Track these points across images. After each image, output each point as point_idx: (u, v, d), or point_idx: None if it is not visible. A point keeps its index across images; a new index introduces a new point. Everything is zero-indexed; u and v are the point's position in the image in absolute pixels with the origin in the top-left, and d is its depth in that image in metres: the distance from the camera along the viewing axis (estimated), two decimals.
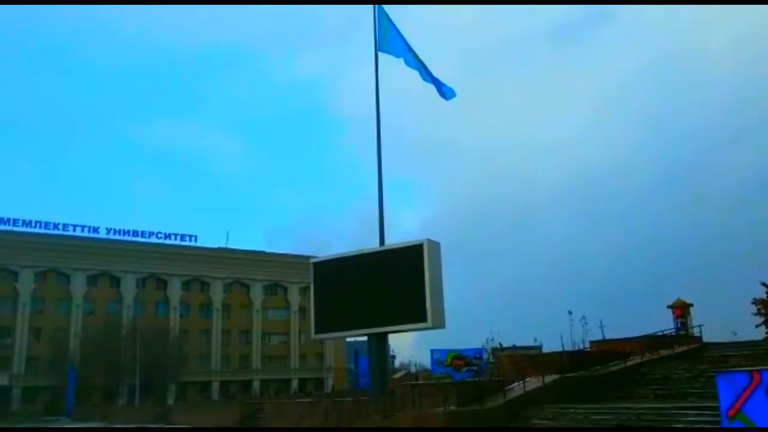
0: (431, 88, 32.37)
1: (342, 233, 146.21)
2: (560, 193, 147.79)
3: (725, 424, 14.64)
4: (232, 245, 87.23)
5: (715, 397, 15.35)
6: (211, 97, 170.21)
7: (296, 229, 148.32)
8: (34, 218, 72.63)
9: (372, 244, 30.78)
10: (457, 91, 32.28)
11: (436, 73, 32.46)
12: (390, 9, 33.78)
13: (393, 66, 33.19)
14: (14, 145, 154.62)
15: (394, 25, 33.30)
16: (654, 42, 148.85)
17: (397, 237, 30.26)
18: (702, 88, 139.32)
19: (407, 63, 32.52)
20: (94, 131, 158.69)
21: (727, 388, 14.63)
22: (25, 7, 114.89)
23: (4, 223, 70.79)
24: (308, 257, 38.23)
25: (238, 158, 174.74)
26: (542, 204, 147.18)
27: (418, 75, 32.40)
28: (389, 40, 33.27)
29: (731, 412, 14.45)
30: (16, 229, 71.35)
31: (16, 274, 71.54)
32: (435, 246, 28.24)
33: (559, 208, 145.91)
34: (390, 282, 28.05)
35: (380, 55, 33.42)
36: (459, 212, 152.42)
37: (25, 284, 71.56)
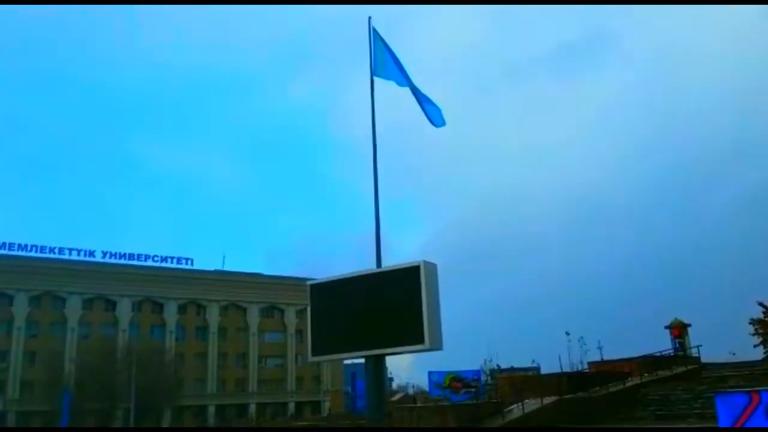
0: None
1: (343, 255, 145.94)
2: (558, 211, 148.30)
3: None
4: (229, 268, 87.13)
5: (715, 418, 15.27)
6: (211, 120, 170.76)
7: (297, 252, 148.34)
8: (29, 242, 72.68)
9: (373, 266, 30.78)
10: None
11: (435, 92, 32.47)
12: (392, 26, 34.03)
13: (392, 87, 33.41)
14: (9, 168, 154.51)
15: (389, 49, 33.50)
16: (651, 54, 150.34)
17: (398, 259, 30.04)
18: (700, 100, 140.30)
19: (403, 85, 32.63)
20: (91, 154, 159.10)
21: (726, 409, 14.56)
22: (25, 25, 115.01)
23: (0, 247, 70.61)
24: (304, 279, 38.12)
25: (238, 181, 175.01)
26: (539, 224, 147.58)
27: (414, 97, 32.48)
28: (385, 66, 33.46)
29: None
30: (11, 252, 71.21)
31: (11, 298, 71.22)
32: (432, 267, 28.12)
33: (556, 228, 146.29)
34: (387, 304, 27.89)
35: (378, 79, 33.59)
36: (458, 234, 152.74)
37: (20, 308, 71.20)
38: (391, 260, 30.83)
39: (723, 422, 14.60)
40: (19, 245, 71.76)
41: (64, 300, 74.21)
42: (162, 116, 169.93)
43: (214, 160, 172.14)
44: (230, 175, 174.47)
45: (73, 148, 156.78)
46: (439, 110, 33.61)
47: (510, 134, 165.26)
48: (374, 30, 36.08)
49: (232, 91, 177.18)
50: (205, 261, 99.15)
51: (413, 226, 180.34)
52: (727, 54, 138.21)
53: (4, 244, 70.92)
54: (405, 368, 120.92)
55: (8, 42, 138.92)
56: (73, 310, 74.16)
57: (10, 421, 66.72)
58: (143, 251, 79.29)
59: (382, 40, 35.09)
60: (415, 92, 33.40)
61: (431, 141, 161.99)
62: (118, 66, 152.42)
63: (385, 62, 34.89)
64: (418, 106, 33.40)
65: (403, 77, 33.50)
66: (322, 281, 34.64)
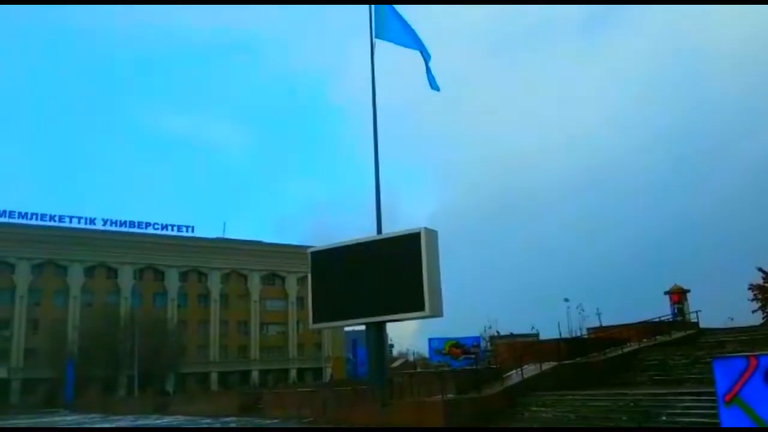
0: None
1: (354, 223, 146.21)
2: (563, 181, 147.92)
3: (722, 409, 14.68)
4: (231, 236, 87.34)
5: (712, 383, 15.38)
6: (217, 87, 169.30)
7: (307, 220, 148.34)
8: (30, 210, 72.73)
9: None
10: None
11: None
12: None
13: (406, 54, 33.03)
14: (10, 135, 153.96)
15: (393, 8, 33.08)
16: (667, 39, 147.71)
17: (406, 226, 30.12)
18: (714, 76, 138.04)
19: (408, 46, 32.39)
20: (90, 121, 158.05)
21: (723, 374, 14.63)
22: None
23: (0, 215, 70.69)
24: (305, 247, 38.20)
25: (244, 148, 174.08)
26: (544, 193, 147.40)
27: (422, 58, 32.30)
28: (387, 27, 33.13)
29: (728, 397, 14.47)
30: (12, 221, 71.35)
31: (12, 267, 71.55)
32: (432, 234, 28.26)
33: (559, 197, 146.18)
34: (388, 271, 28.09)
35: (390, 44, 33.31)
36: (466, 202, 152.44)
37: (22, 276, 71.59)
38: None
39: (720, 387, 14.70)
40: (20, 213, 71.89)
41: (65, 268, 74.54)
42: (165, 82, 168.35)
43: (218, 126, 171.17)
44: (239, 143, 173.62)
45: (73, 114, 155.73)
46: (433, 77, 33.46)
47: (526, 99, 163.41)
48: None
49: (238, 56, 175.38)
50: (206, 229, 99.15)
51: (427, 194, 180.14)
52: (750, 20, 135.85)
53: (4, 212, 71.03)
54: (410, 335, 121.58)
55: (9, 5, 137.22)
56: (75, 278, 74.57)
57: (15, 389, 67.57)
58: (144, 219, 79.55)
59: (389, 4, 34.52)
60: (423, 53, 32.94)
61: (446, 108, 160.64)
62: (120, 30, 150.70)
63: (387, 24, 34.60)
64: (424, 70, 33.00)
65: (409, 39, 33.00)
66: (322, 248, 34.68)
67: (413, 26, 33.01)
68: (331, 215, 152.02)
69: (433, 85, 32.54)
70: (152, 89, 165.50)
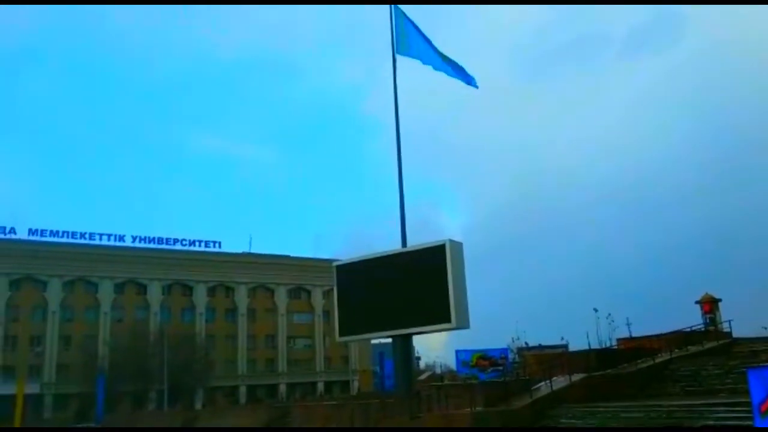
0: (466, 88, 32.46)
1: (390, 236, 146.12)
2: (595, 193, 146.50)
3: (758, 419, 14.42)
4: (258, 251, 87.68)
5: (747, 393, 15.11)
6: (247, 105, 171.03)
7: (342, 235, 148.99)
8: (60, 228, 73.91)
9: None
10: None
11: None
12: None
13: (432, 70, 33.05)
14: (40, 154, 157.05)
15: (412, 24, 33.26)
16: (694, 42, 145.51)
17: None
18: (749, 85, 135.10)
19: (429, 63, 32.51)
20: (123, 139, 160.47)
21: (759, 384, 14.40)
22: (59, 12, 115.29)
23: (32, 234, 72.03)
24: (331, 260, 38.35)
25: (275, 164, 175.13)
26: (574, 203, 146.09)
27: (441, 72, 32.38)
28: (408, 42, 33.31)
29: (764, 408, 14.22)
30: (43, 239, 72.54)
31: (44, 284, 72.71)
32: (458, 246, 28.18)
33: (590, 208, 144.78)
34: (413, 283, 28.03)
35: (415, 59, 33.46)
36: (498, 214, 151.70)
37: (54, 293, 72.70)
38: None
39: (755, 396, 14.45)
40: (51, 231, 73.07)
41: (96, 285, 75.57)
42: (196, 101, 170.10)
43: (248, 143, 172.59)
44: (265, 158, 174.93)
45: (102, 133, 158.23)
46: (471, 77, 32.98)
47: (561, 116, 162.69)
48: (397, 8, 35.81)
49: (272, 75, 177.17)
50: (233, 244, 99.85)
51: (463, 210, 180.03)
52: None
53: (36, 230, 72.29)
54: (437, 348, 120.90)
55: (47, 25, 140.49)
56: (106, 294, 75.54)
57: (47, 404, 68.47)
58: (172, 235, 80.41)
59: (408, 18, 34.74)
60: (445, 64, 33.01)
61: (482, 125, 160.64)
62: (155, 51, 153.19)
63: (409, 40, 34.74)
64: (462, 87, 32.96)
65: (430, 53, 33.12)
66: (347, 262, 34.72)
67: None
68: (367, 230, 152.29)
69: (472, 83, 32.26)
70: (182, 108, 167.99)
